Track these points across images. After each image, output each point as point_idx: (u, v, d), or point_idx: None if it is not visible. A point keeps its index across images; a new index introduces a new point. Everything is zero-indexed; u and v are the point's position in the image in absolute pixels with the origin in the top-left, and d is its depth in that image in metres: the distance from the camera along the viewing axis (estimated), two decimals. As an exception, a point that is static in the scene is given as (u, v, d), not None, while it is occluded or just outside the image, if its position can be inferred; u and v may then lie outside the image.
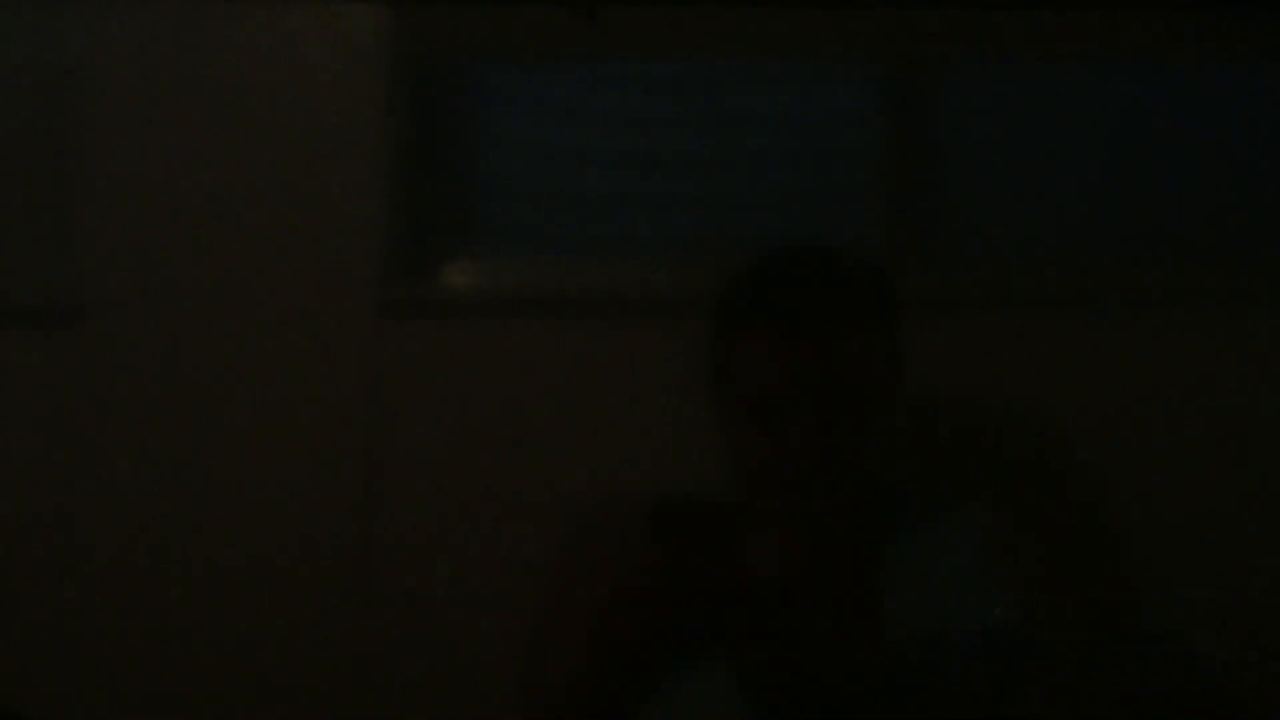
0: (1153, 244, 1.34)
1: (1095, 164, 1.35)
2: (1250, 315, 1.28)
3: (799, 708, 1.01)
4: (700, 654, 1.03)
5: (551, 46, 1.37)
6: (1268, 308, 1.28)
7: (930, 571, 1.08)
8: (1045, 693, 1.05)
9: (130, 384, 1.31)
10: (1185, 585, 1.26)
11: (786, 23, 1.33)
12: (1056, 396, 1.28)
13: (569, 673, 1.04)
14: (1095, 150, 1.35)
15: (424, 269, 1.36)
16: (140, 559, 1.30)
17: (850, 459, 1.06)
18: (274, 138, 1.32)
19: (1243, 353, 1.27)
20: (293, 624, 1.30)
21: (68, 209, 1.34)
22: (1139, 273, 1.33)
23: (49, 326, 1.33)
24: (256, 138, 1.32)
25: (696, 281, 1.25)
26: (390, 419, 1.31)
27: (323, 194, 1.32)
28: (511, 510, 1.29)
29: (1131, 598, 1.25)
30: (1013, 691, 1.04)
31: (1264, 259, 1.34)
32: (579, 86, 1.38)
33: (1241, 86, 1.35)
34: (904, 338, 1.11)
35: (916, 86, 1.36)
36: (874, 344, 1.09)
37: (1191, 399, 1.27)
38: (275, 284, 1.31)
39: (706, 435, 1.18)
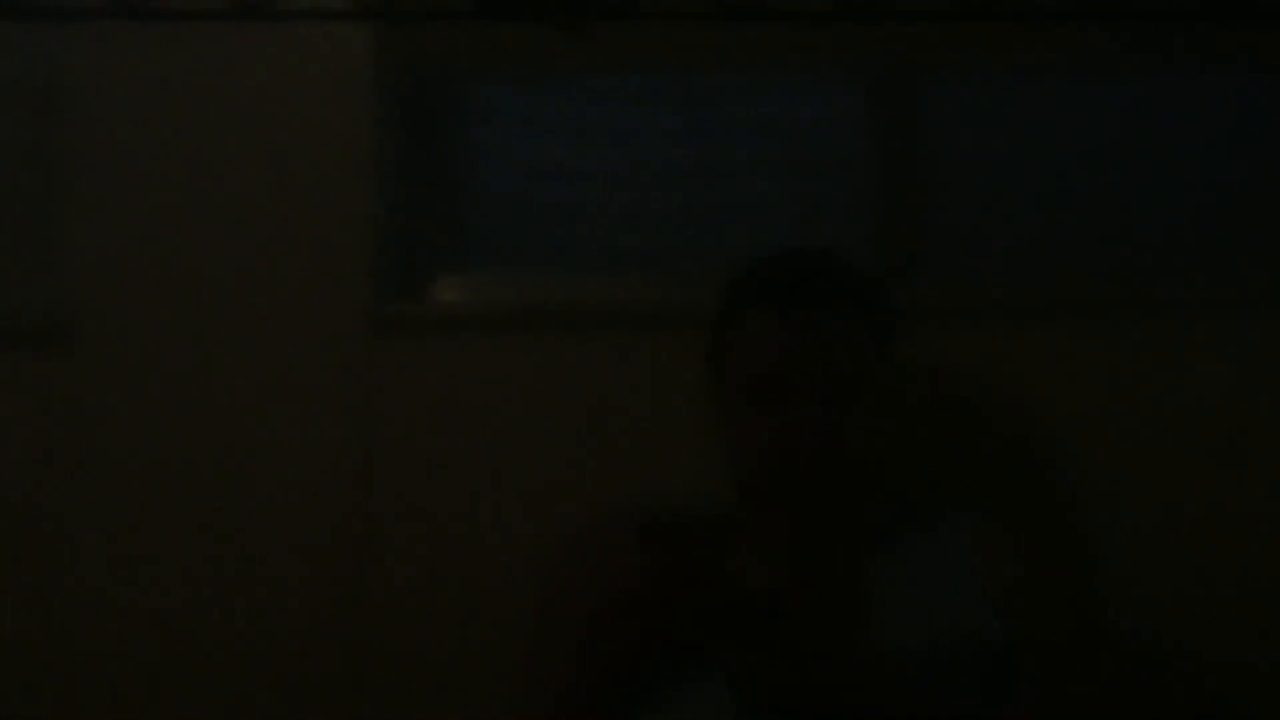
0: (1141, 252, 1.35)
1: (1082, 172, 1.35)
2: (1239, 322, 1.28)
3: (792, 717, 1.01)
4: (694, 664, 1.03)
5: (542, 62, 1.37)
6: (1257, 315, 1.29)
7: (920, 580, 1.08)
8: (1033, 701, 1.06)
9: (121, 402, 1.31)
10: (1177, 593, 1.26)
11: (774, 36, 1.34)
12: (1046, 404, 1.28)
13: (561, 684, 1.04)
14: (1082, 159, 1.35)
15: (417, 285, 1.37)
16: (134, 576, 1.31)
17: (846, 445, 1.07)
18: (266, 156, 1.32)
19: (1233, 360, 1.28)
20: (290, 638, 1.30)
21: (57, 226, 1.34)
22: (1126, 281, 1.33)
23: (37, 344, 1.33)
24: (248, 156, 1.32)
25: (688, 294, 1.26)
26: (384, 435, 1.31)
27: (315, 211, 1.32)
28: (505, 523, 1.30)
29: (1122, 606, 1.25)
30: (1001, 700, 1.04)
31: (1253, 266, 1.34)
32: (570, 101, 1.39)
33: (1228, 95, 1.35)
34: (897, 346, 1.12)
35: (904, 97, 1.36)
36: (867, 337, 1.10)
37: (1181, 406, 1.27)
38: (268, 301, 1.31)
39: (697, 448, 1.19)
